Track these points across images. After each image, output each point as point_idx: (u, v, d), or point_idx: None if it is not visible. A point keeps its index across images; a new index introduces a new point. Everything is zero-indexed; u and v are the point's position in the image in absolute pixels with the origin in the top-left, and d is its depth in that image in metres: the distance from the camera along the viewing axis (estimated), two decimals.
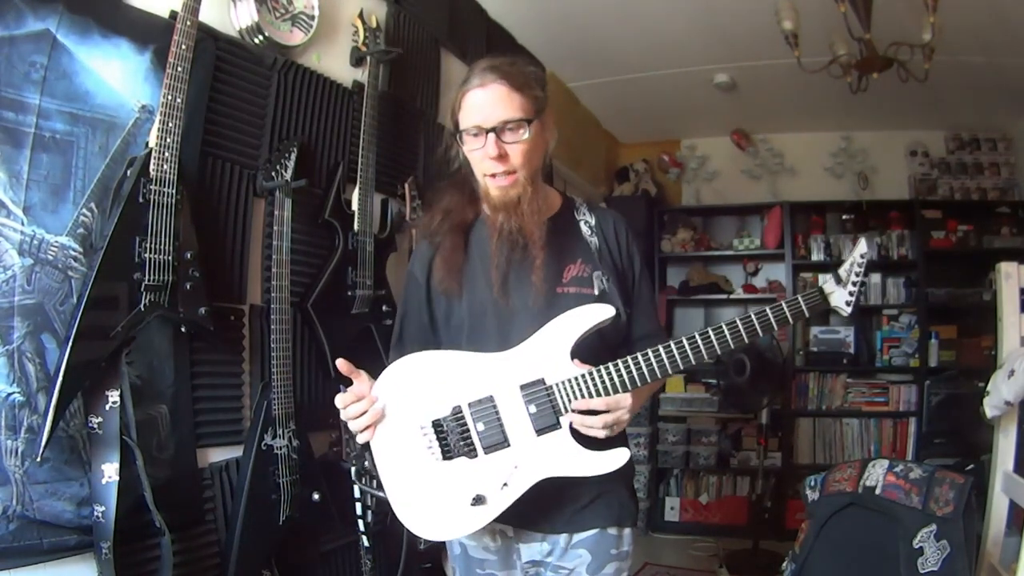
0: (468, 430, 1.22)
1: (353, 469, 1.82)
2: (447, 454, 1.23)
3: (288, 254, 1.81)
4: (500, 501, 1.20)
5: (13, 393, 1.35)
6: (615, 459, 1.20)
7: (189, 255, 1.53)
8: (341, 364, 1.24)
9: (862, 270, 1.23)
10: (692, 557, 3.92)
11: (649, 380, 1.20)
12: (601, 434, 1.18)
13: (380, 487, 1.29)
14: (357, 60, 2.22)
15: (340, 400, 1.24)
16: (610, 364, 1.19)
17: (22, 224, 1.37)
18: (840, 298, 1.23)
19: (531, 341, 1.23)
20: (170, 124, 1.48)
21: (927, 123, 4.54)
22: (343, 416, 1.24)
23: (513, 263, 1.29)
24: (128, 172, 1.46)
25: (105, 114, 1.51)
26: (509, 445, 1.21)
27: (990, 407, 2.21)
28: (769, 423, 3.78)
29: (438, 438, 1.23)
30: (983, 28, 3.04)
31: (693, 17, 3.19)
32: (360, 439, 1.26)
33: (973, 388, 2.62)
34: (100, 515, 1.40)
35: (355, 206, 2.12)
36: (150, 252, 1.45)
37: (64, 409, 1.35)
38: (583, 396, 1.20)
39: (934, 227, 4.38)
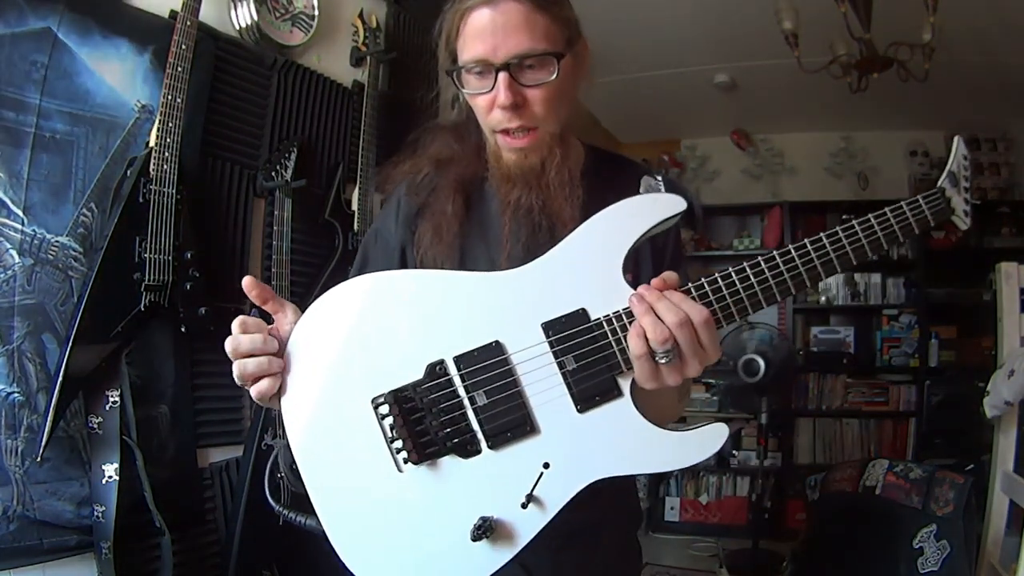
0: (459, 405, 0.76)
1: (271, 478, 1.08)
2: (424, 450, 0.75)
3: (288, 254, 1.81)
4: (525, 528, 0.73)
5: (13, 393, 1.35)
6: (713, 438, 0.75)
7: (189, 255, 1.53)
8: (248, 283, 0.80)
9: (969, 173, 0.93)
10: (692, 557, 3.92)
11: (780, 298, 0.78)
12: (679, 376, 0.74)
13: (311, 511, 0.78)
14: (357, 60, 2.22)
15: (237, 324, 0.79)
16: (715, 276, 0.77)
17: (22, 224, 1.37)
18: (959, 205, 0.91)
19: (556, 252, 0.80)
20: (170, 124, 1.48)
21: (927, 123, 4.53)
22: (228, 350, 0.79)
23: (533, 252, 0.87)
24: (128, 172, 1.46)
25: (105, 114, 1.51)
26: (534, 431, 0.75)
27: (990, 407, 2.21)
28: (769, 423, 3.77)
29: (404, 422, 0.75)
30: (983, 28, 3.04)
31: (693, 17, 3.19)
32: (254, 392, 0.79)
33: (973, 388, 2.62)
34: (100, 515, 1.40)
35: (355, 206, 2.12)
36: (150, 252, 1.45)
37: (64, 409, 1.35)
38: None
39: (934, 227, 4.37)
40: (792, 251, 0.77)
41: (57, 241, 1.42)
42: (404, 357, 0.77)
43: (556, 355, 0.76)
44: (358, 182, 2.14)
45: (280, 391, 0.79)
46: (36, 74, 1.39)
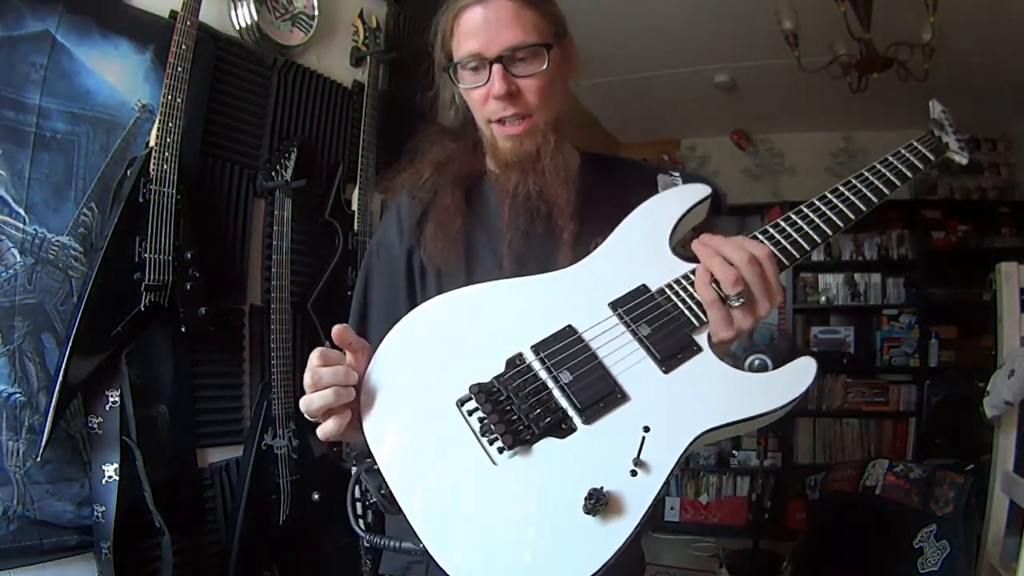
0: (544, 388, 0.75)
1: (353, 503, 0.82)
2: (517, 435, 0.72)
3: (288, 254, 1.81)
4: (638, 495, 0.70)
5: (15, 393, 1.35)
6: (802, 373, 0.76)
7: (189, 255, 1.53)
8: (338, 332, 0.79)
9: (951, 121, 1.01)
10: (692, 557, 3.92)
11: (819, 241, 0.84)
12: (752, 318, 0.78)
13: (401, 531, 0.72)
14: (357, 60, 2.22)
15: (317, 355, 0.78)
16: (765, 226, 0.83)
17: (24, 223, 1.37)
18: (952, 143, 0.98)
19: (602, 249, 0.86)
20: (170, 124, 1.48)
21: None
22: (305, 380, 0.77)
23: (533, 239, 0.95)
24: (128, 172, 1.46)
25: (106, 114, 1.51)
26: (625, 397, 0.74)
27: (990, 407, 2.21)
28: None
29: (493, 410, 0.73)
30: (983, 28, 3.04)
31: (693, 17, 3.19)
32: (321, 432, 0.77)
33: (973, 388, 2.62)
34: (100, 515, 1.40)
35: (355, 206, 2.12)
36: (150, 252, 1.45)
37: (64, 409, 1.35)
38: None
39: (934, 227, 4.38)
40: (828, 194, 0.87)
41: (58, 240, 1.42)
42: (482, 359, 0.77)
43: (627, 325, 0.79)
44: (358, 182, 2.14)
45: (362, 418, 0.77)
46: (36, 75, 1.39)
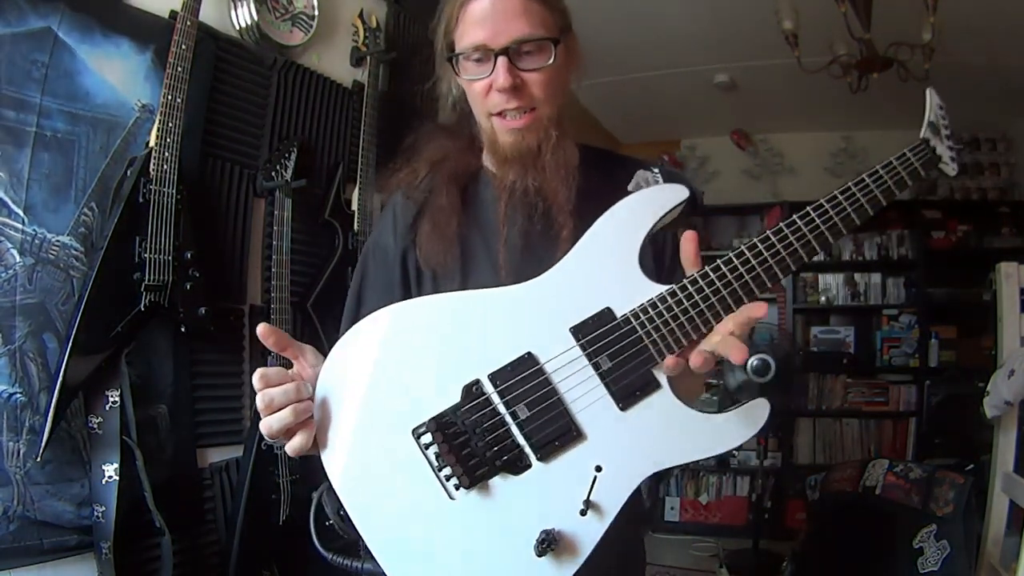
0: (502, 422, 0.74)
1: (315, 522, 0.95)
2: (474, 473, 0.73)
3: (288, 254, 1.81)
4: (586, 535, 0.71)
5: (16, 393, 1.35)
6: (757, 413, 0.76)
7: (189, 255, 1.53)
8: (264, 331, 0.76)
9: (947, 122, 0.95)
10: (692, 557, 3.92)
11: (806, 258, 0.82)
12: (711, 362, 0.74)
13: (366, 552, 0.76)
14: (357, 60, 2.22)
15: (257, 375, 0.76)
16: (728, 257, 0.77)
17: (23, 223, 1.37)
18: (944, 152, 0.93)
19: (568, 259, 0.81)
20: (170, 124, 1.48)
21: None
22: (258, 404, 0.75)
23: (531, 236, 0.93)
24: (128, 172, 1.46)
25: (106, 113, 1.51)
26: (580, 436, 0.74)
27: (990, 407, 2.22)
28: (769, 423, 3.77)
29: (450, 449, 0.73)
30: (983, 28, 3.04)
31: (693, 17, 3.19)
32: (290, 449, 0.76)
33: (973, 388, 2.62)
34: (100, 515, 1.40)
35: (355, 206, 2.12)
36: (150, 252, 1.45)
37: (64, 409, 1.35)
38: (693, 320, 0.75)
39: (934, 227, 4.38)
40: (810, 212, 0.81)
41: (58, 241, 1.42)
42: (438, 383, 0.76)
43: (589, 357, 0.76)
44: (358, 182, 2.14)
45: (316, 438, 0.76)
46: (37, 73, 1.39)
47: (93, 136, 1.49)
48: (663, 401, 0.75)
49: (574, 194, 0.93)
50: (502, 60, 0.88)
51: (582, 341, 0.76)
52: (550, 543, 0.70)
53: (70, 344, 1.32)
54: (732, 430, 0.75)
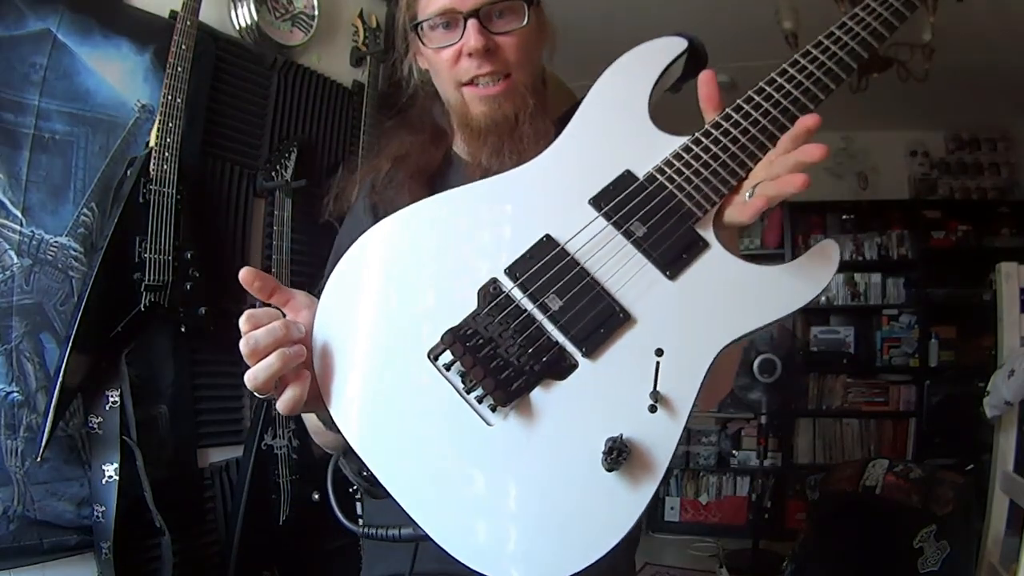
0: (531, 319, 0.62)
1: (335, 493, 0.72)
2: (509, 387, 0.59)
3: (288, 254, 1.81)
4: (662, 435, 0.58)
5: (12, 392, 1.35)
6: (826, 257, 0.62)
7: (189, 255, 1.53)
8: (246, 275, 0.65)
9: None
10: (692, 557, 3.92)
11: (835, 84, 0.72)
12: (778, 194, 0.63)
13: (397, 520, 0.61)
14: (357, 60, 2.22)
15: (245, 319, 0.63)
16: (758, 88, 0.70)
17: (21, 225, 1.37)
18: None
19: (571, 128, 0.72)
20: (170, 124, 1.48)
21: (927, 123, 4.53)
22: (245, 353, 0.61)
23: None
24: (128, 172, 1.46)
25: (105, 114, 1.51)
26: (630, 318, 0.62)
27: (990, 407, 2.22)
28: (769, 423, 3.78)
29: (475, 363, 0.59)
30: (983, 28, 3.04)
31: (693, 17, 3.19)
32: (282, 406, 0.62)
33: (973, 388, 2.62)
34: (100, 515, 1.40)
35: (358, 180, 2.12)
36: (150, 252, 1.45)
37: (64, 409, 1.35)
38: (729, 156, 0.65)
39: (934, 227, 4.38)
40: (822, 40, 0.73)
41: (56, 241, 1.42)
42: (449, 294, 0.63)
43: (618, 225, 0.64)
44: (358, 182, 2.14)
45: (320, 388, 0.63)
46: (35, 75, 1.39)
47: (92, 137, 1.49)
48: (716, 260, 0.63)
49: None
50: (472, 22, 0.81)
51: (606, 209, 0.65)
52: (620, 452, 0.55)
53: (70, 344, 1.32)
54: (805, 277, 0.62)
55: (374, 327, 0.64)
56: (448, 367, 0.60)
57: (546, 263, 0.63)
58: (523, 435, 0.59)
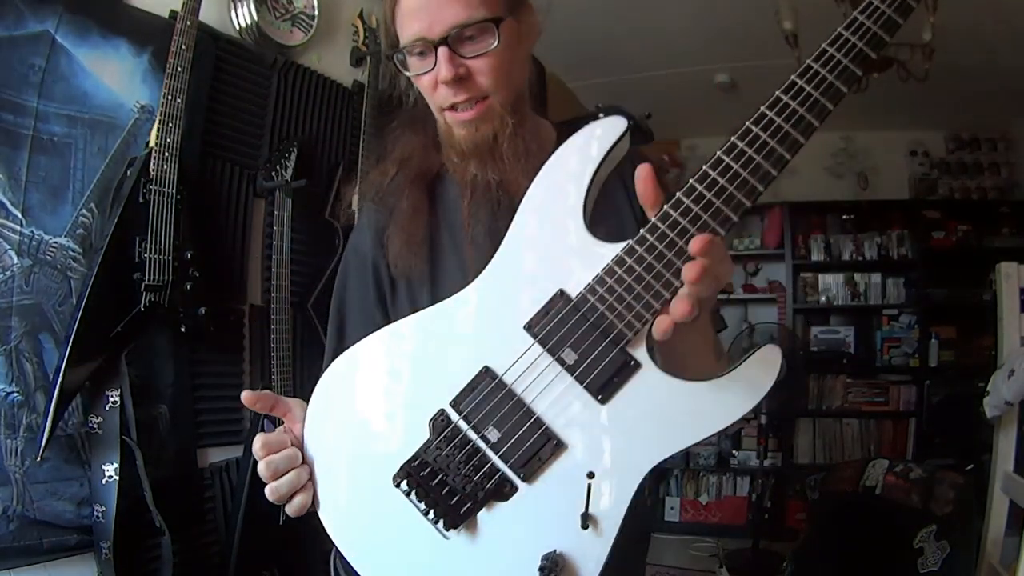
0: (475, 449, 0.69)
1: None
2: (458, 512, 0.68)
3: (288, 254, 1.81)
4: (592, 549, 0.64)
5: (12, 392, 1.35)
6: (766, 366, 0.63)
7: (189, 255, 1.53)
8: (248, 398, 0.78)
9: None
10: (692, 557, 3.92)
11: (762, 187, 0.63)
12: (690, 310, 0.61)
13: None
14: (357, 60, 2.22)
15: (259, 444, 0.76)
16: (690, 185, 0.64)
17: (21, 225, 1.37)
18: None
19: (509, 239, 0.73)
20: (170, 124, 1.48)
21: (927, 123, 4.53)
22: (266, 475, 0.77)
23: (496, 235, 0.81)
24: (128, 172, 1.46)
25: (103, 115, 1.51)
26: (561, 444, 0.67)
27: (990, 407, 2.21)
28: (769, 423, 3.78)
29: (428, 491, 0.69)
30: (983, 28, 3.04)
31: (693, 17, 3.19)
32: (291, 510, 0.77)
33: (973, 388, 2.62)
34: (100, 515, 1.40)
35: (355, 206, 2.12)
36: (150, 252, 1.45)
37: (64, 409, 1.35)
38: (652, 274, 0.64)
39: (934, 227, 4.38)
40: (766, 112, 0.63)
41: (55, 242, 1.42)
42: (406, 424, 0.71)
43: (552, 352, 0.67)
44: (358, 182, 2.14)
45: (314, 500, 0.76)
46: (34, 77, 1.39)
47: (91, 138, 1.49)
48: (647, 381, 0.65)
49: None
50: (442, 51, 0.81)
51: (540, 336, 0.67)
52: (551, 567, 0.63)
53: (70, 344, 1.32)
54: (743, 389, 0.63)
55: (347, 451, 0.75)
56: (408, 494, 0.70)
57: (486, 395, 0.68)
58: (472, 548, 0.68)
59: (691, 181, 0.64)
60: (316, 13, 2.03)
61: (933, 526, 2.23)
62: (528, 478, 0.67)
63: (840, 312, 4.58)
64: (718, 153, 0.64)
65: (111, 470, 1.41)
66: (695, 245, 0.59)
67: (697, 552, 3.98)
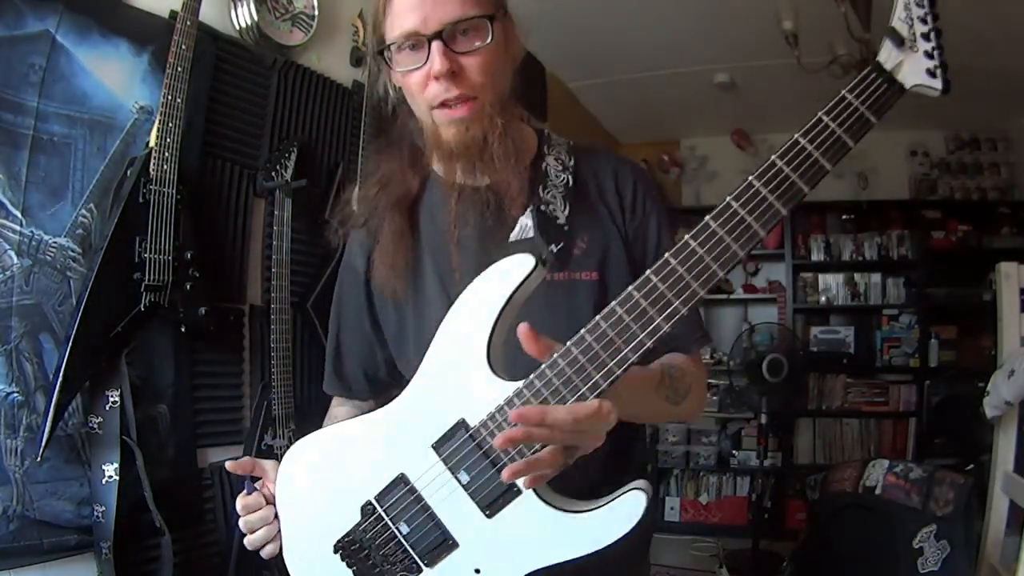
0: (393, 537, 0.83)
1: None
2: None
3: (288, 254, 1.80)
4: None
5: (12, 392, 1.35)
6: (631, 507, 0.73)
7: (189, 255, 1.53)
8: (232, 466, 0.91)
9: (927, 12, 0.70)
10: (692, 557, 3.92)
11: (636, 360, 0.70)
12: (552, 469, 0.73)
13: None
14: (357, 60, 2.22)
15: (240, 504, 0.91)
16: (554, 354, 0.72)
17: (20, 225, 1.37)
18: (915, 69, 0.68)
19: (426, 364, 0.82)
20: (170, 124, 1.48)
21: (927, 123, 4.54)
22: (244, 528, 0.91)
23: (485, 234, 0.90)
24: (128, 172, 1.46)
25: (102, 116, 1.51)
26: (455, 543, 0.80)
27: (990, 407, 2.22)
28: (769, 423, 3.78)
29: (358, 564, 0.85)
30: (983, 29, 3.04)
31: (693, 17, 3.19)
32: (265, 554, 0.91)
33: (973, 388, 2.62)
34: (100, 515, 1.40)
35: (355, 206, 2.12)
36: (150, 252, 1.44)
37: (64, 409, 1.35)
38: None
39: (934, 227, 4.39)
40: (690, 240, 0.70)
41: (55, 242, 1.42)
42: (345, 506, 0.86)
43: (452, 471, 0.79)
44: (358, 182, 2.14)
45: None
46: (34, 76, 1.39)
47: (90, 138, 1.49)
48: (527, 505, 0.77)
49: (526, 184, 0.90)
50: (436, 44, 0.82)
51: (443, 456, 0.79)
52: None
53: (70, 344, 1.32)
54: (605, 527, 0.74)
55: (303, 519, 0.90)
56: (343, 560, 0.86)
57: (400, 496, 0.83)
58: None
59: (582, 331, 0.71)
60: (316, 13, 2.03)
61: (933, 526, 2.23)
62: (430, 564, 0.82)
63: (840, 312, 4.58)
64: (614, 304, 0.70)
65: (111, 470, 1.41)
66: (513, 415, 0.68)
67: (697, 552, 3.98)
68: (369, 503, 0.84)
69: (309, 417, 1.89)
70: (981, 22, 2.98)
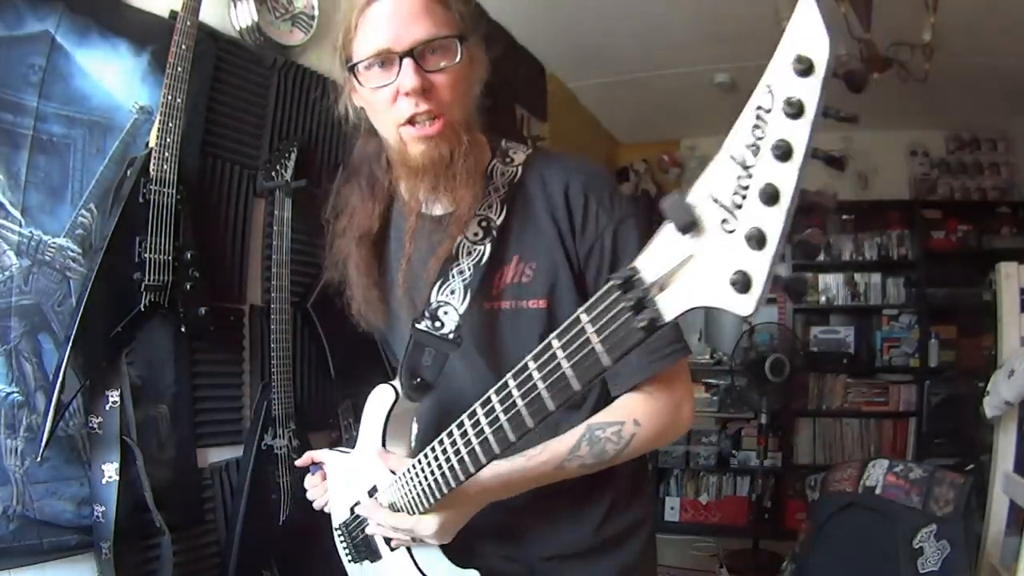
0: (364, 531, 1.13)
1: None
2: (358, 554, 1.17)
3: (288, 254, 1.81)
4: None
5: (12, 392, 1.35)
6: None
7: (189, 255, 1.53)
8: (305, 459, 1.25)
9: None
10: (692, 557, 3.92)
11: (442, 492, 0.88)
12: (401, 542, 1.04)
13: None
14: None
15: (308, 483, 1.26)
16: (403, 473, 0.96)
17: (20, 225, 1.37)
18: (719, 292, 0.50)
19: (358, 444, 1.12)
20: (170, 124, 1.48)
21: (927, 123, 4.54)
22: (311, 496, 1.26)
23: (432, 248, 0.97)
24: (128, 172, 1.46)
25: (102, 116, 1.51)
26: (380, 557, 1.11)
27: (990, 407, 2.22)
28: (769, 423, 3.78)
29: (351, 540, 1.17)
30: (983, 28, 3.04)
31: (693, 17, 3.19)
32: (321, 508, 1.25)
33: (973, 388, 2.62)
34: (100, 515, 1.40)
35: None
36: (150, 252, 1.44)
37: (64, 409, 1.35)
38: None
39: (934, 227, 4.39)
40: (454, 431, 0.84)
41: (54, 243, 1.42)
42: (345, 503, 1.18)
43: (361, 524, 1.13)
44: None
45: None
46: (34, 76, 1.39)
47: (89, 139, 1.48)
48: (402, 552, 1.05)
49: (480, 193, 0.94)
50: (408, 61, 0.85)
51: (354, 513, 1.14)
52: None
53: (70, 344, 1.32)
54: None
55: (333, 504, 1.23)
56: (341, 535, 1.21)
57: (358, 521, 1.14)
58: (371, 570, 1.16)
59: (431, 445, 0.89)
60: (316, 13, 2.03)
61: (933, 526, 2.23)
62: (381, 556, 1.11)
63: (840, 312, 4.58)
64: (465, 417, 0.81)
65: (111, 470, 1.41)
66: (364, 510, 1.09)
67: (697, 552, 3.98)
68: (351, 511, 1.14)
69: (309, 416, 1.89)
70: (982, 22, 2.99)
